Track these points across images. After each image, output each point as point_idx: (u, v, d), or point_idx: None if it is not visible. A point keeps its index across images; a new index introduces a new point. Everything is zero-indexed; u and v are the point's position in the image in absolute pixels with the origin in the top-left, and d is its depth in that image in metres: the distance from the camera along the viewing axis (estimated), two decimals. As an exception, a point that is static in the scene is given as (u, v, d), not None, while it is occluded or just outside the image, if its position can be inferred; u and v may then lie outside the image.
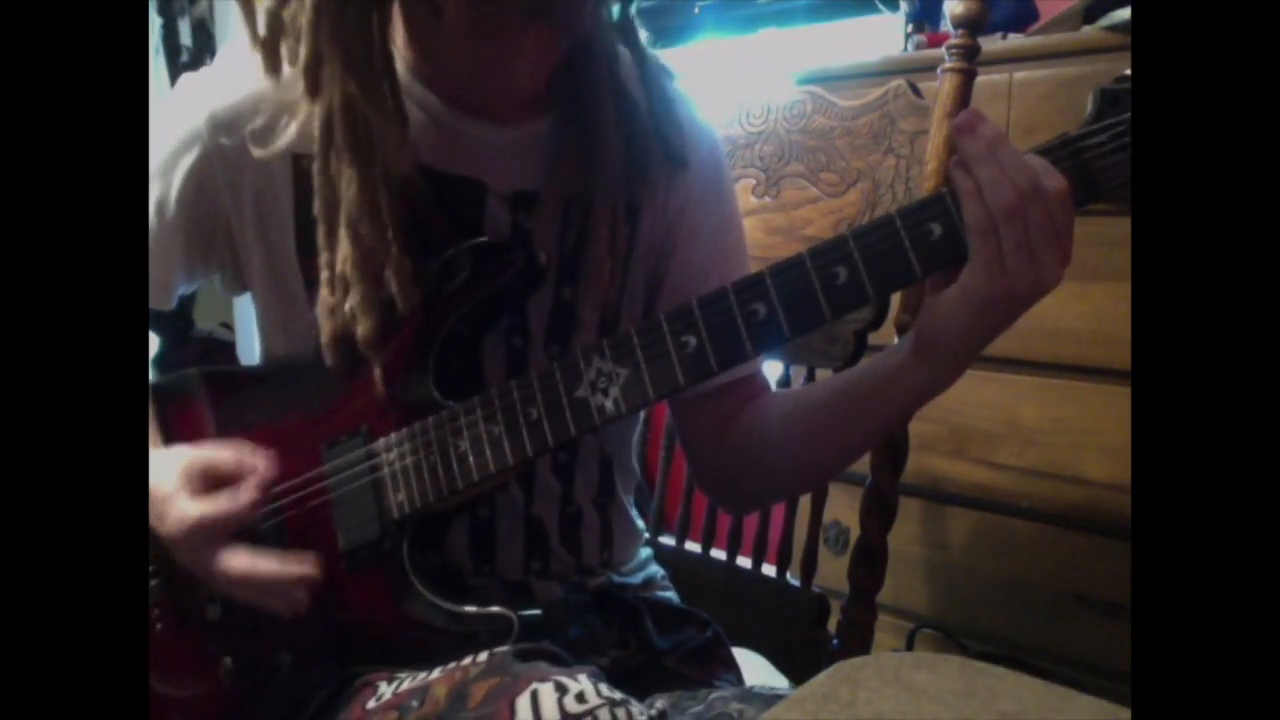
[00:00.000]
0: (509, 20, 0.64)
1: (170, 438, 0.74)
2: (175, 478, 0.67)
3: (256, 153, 0.69)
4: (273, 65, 0.65)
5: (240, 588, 0.66)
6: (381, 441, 0.69)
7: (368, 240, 0.65)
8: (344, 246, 0.66)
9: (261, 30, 0.64)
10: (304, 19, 0.62)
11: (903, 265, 0.59)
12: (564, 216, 0.74)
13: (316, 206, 0.67)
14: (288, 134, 0.68)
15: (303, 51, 0.63)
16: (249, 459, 0.67)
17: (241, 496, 0.65)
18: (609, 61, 0.73)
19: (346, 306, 0.67)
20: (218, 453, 0.68)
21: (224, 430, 0.74)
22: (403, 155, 0.67)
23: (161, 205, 0.74)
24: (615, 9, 0.73)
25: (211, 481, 0.67)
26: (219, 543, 0.65)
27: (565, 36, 0.67)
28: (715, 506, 1.06)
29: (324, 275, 0.68)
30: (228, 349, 2.14)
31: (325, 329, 0.68)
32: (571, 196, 0.74)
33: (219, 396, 0.76)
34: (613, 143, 0.73)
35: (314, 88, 0.64)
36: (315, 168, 0.66)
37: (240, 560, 0.65)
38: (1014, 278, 0.57)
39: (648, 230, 0.78)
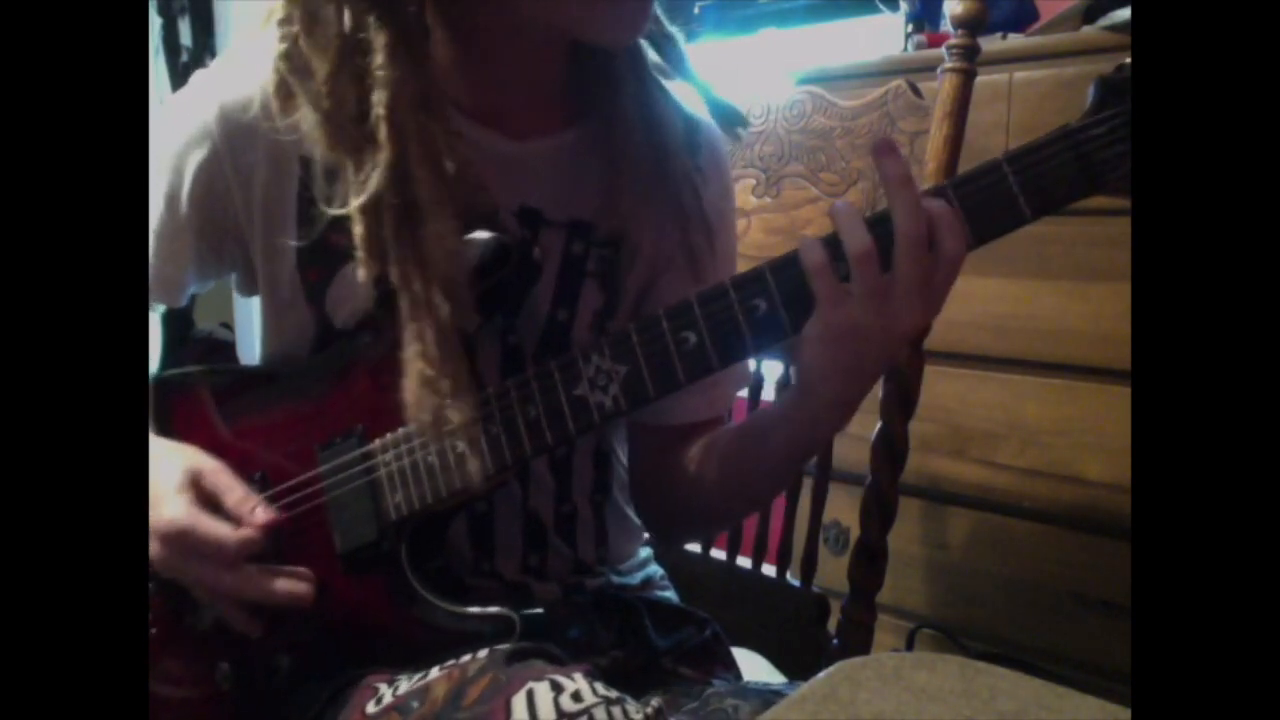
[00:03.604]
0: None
1: (164, 434, 0.74)
2: (180, 475, 0.66)
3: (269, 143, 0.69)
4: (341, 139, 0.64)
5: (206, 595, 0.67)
6: (378, 442, 0.68)
7: (460, 303, 0.63)
8: (443, 311, 0.63)
9: (326, 104, 0.64)
10: (375, 68, 0.62)
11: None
12: (567, 238, 0.74)
13: (396, 275, 0.63)
14: (302, 131, 0.67)
15: (383, 100, 0.62)
16: (258, 505, 0.66)
17: (238, 535, 0.64)
18: (633, 83, 0.73)
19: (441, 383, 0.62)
20: (231, 481, 0.67)
21: (217, 428, 0.74)
22: (483, 186, 0.66)
23: (173, 200, 0.72)
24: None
25: (211, 502, 0.66)
26: (189, 557, 0.65)
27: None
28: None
29: (413, 349, 0.63)
30: (228, 349, 2.13)
31: (420, 405, 0.63)
32: (576, 220, 0.73)
33: (213, 394, 0.75)
34: (623, 171, 0.72)
35: (395, 136, 0.63)
36: (386, 227, 0.63)
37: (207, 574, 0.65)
38: (861, 311, 0.57)
39: (648, 254, 0.76)
